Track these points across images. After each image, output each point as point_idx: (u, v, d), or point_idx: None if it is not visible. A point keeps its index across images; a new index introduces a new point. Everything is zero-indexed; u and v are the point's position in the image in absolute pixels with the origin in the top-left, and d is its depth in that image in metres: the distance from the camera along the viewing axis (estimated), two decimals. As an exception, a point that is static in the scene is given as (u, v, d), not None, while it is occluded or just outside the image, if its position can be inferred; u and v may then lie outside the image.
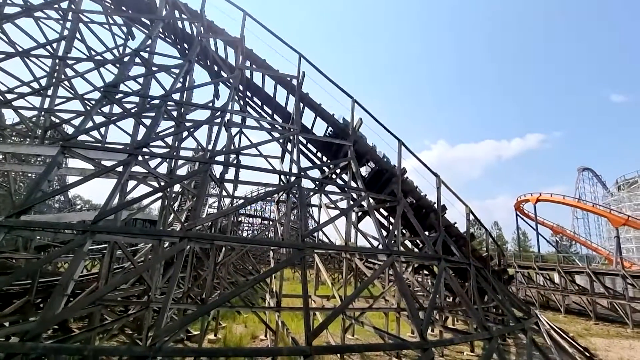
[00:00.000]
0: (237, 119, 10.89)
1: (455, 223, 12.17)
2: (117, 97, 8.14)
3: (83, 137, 8.27)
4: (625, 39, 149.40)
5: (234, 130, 10.87)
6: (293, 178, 8.06)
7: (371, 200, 10.23)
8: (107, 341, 8.56)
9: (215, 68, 11.87)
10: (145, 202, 9.89)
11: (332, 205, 11.47)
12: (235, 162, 11.19)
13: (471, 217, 12.11)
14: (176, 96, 9.10)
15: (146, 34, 10.20)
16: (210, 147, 9.74)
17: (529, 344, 7.79)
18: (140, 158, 6.65)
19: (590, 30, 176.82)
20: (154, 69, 8.87)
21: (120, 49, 11.83)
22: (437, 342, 8.19)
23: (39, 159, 16.34)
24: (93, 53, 11.33)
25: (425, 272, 17.29)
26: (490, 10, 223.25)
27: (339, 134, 10.90)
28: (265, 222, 39.34)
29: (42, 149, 8.42)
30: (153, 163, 8.15)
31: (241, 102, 12.69)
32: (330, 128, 11.12)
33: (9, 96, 9.39)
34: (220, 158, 8.45)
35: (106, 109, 10.48)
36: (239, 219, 32.64)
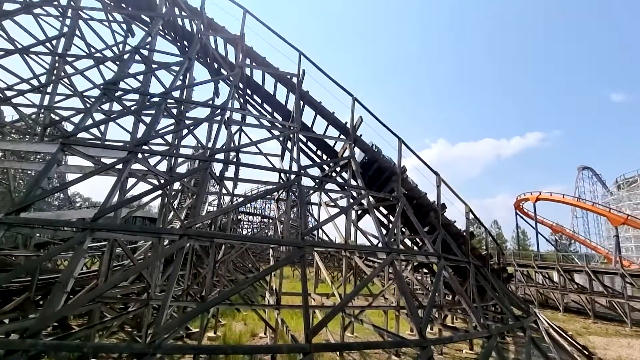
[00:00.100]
0: (237, 116, 10.88)
1: (455, 221, 12.19)
2: (116, 94, 8.11)
3: (83, 135, 8.27)
4: (625, 39, 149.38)
5: (234, 128, 10.86)
6: (293, 176, 8.06)
7: (371, 199, 10.23)
8: (107, 338, 8.58)
9: (215, 66, 11.84)
10: (145, 199, 9.86)
11: (332, 204, 11.48)
12: (235, 160, 11.18)
13: (471, 215, 12.12)
14: (176, 94, 9.08)
15: (146, 31, 10.16)
16: (210, 144, 9.73)
17: (528, 342, 7.81)
18: (140, 156, 6.64)
19: (590, 30, 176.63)
20: (154, 66, 8.85)
21: (120, 46, 11.79)
22: (436, 340, 8.22)
23: (38, 157, 16.33)
24: (93, 50, 11.30)
25: (425, 270, 17.33)
26: (490, 10, 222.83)
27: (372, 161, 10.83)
28: (265, 220, 39.36)
29: (41, 147, 8.41)
30: (153, 161, 8.14)
31: (241, 100, 12.66)
32: (366, 158, 11.07)
33: (9, 93, 9.38)
34: (220, 156, 8.45)
35: (106, 107, 10.44)
36: (239, 217, 32.68)
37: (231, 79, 9.45)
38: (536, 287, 25.14)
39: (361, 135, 10.97)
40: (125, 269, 10.25)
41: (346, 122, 10.83)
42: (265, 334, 11.38)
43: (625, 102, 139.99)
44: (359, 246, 10.80)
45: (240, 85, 11.50)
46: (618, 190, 45.18)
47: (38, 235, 10.35)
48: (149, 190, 7.35)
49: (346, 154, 10.55)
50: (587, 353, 11.23)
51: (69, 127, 11.29)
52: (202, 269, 13.71)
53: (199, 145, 11.73)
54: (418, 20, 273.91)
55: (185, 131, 9.66)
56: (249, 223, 40.64)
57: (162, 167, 8.92)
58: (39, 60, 10.45)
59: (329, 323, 6.01)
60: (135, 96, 9.13)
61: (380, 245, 8.13)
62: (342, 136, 10.91)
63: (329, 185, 10.80)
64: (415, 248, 12.84)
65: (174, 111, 9.31)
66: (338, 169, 11.53)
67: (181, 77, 8.77)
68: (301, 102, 10.27)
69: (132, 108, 8.53)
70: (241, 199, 14.00)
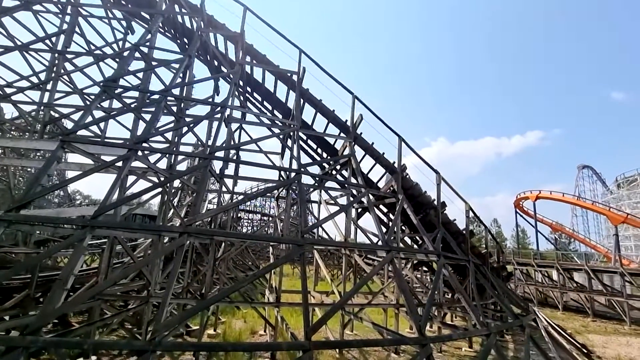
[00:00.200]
0: (237, 114, 10.87)
1: (455, 220, 12.20)
2: (116, 91, 8.10)
3: (82, 132, 8.26)
4: (625, 39, 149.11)
5: (234, 125, 10.85)
6: (293, 174, 8.06)
7: (371, 197, 10.23)
8: (107, 335, 8.59)
9: (215, 63, 11.81)
10: (144, 197, 9.86)
11: (332, 202, 11.49)
12: (235, 157, 11.18)
13: (470, 214, 12.12)
14: (176, 91, 9.05)
15: (146, 28, 10.14)
16: (210, 142, 9.72)
17: (527, 340, 7.83)
18: (139, 153, 6.63)
19: (590, 30, 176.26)
20: (154, 63, 8.83)
21: (120, 43, 11.77)
22: (435, 338, 8.23)
23: (38, 154, 16.27)
24: (92, 47, 11.28)
25: (425, 268, 17.34)
26: (490, 10, 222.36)
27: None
28: (265, 218, 39.38)
29: (41, 144, 8.41)
30: (153, 158, 8.13)
31: (241, 98, 12.64)
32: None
33: (8, 90, 9.36)
34: (220, 154, 8.43)
35: (106, 104, 10.44)
36: (239, 215, 32.68)
37: (231, 76, 9.43)
38: (535, 286, 25.19)
39: (361, 133, 10.96)
40: (125, 267, 10.27)
41: (346, 120, 10.82)
42: (265, 331, 11.41)
43: (626, 101, 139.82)
44: (359, 244, 10.81)
45: (241, 83, 11.47)
46: (618, 189, 45.21)
47: (38, 232, 10.36)
48: (149, 187, 7.34)
49: (346, 152, 10.54)
50: (585, 351, 11.27)
51: (69, 125, 11.24)
52: (202, 267, 13.73)
53: (199, 142, 11.73)
54: (418, 20, 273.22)
55: (185, 129, 9.66)
56: (249, 221, 40.67)
57: (162, 164, 8.92)
58: (38, 57, 10.43)
59: (328, 321, 6.03)
60: (135, 94, 9.12)
61: (380, 243, 8.14)
62: (342, 134, 10.90)
63: (329, 183, 10.80)
64: (415, 246, 12.85)
65: (174, 109, 9.31)
66: (338, 167, 11.52)
67: (181, 75, 8.75)
68: (301, 100, 10.26)
69: (132, 105, 8.52)
70: (241, 196, 14.00)
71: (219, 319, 12.05)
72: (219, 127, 7.75)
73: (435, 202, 11.32)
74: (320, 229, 15.77)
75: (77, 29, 10.36)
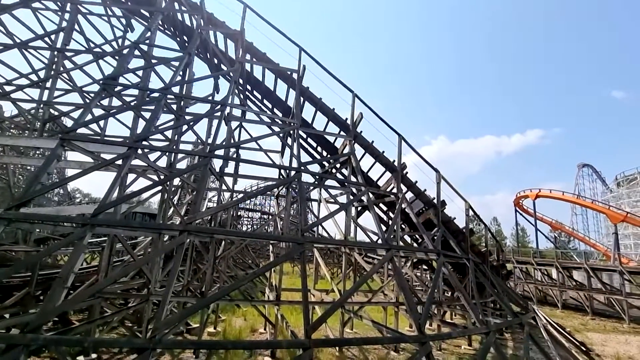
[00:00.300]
0: (237, 112, 10.83)
1: (455, 218, 12.21)
2: (116, 89, 8.08)
3: (82, 130, 8.23)
4: (625, 39, 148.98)
5: (234, 124, 10.83)
6: (293, 172, 8.05)
7: (371, 195, 10.23)
8: (107, 333, 8.61)
9: (215, 61, 11.78)
10: (144, 195, 9.85)
11: (332, 200, 11.48)
12: (235, 156, 11.17)
13: (470, 212, 12.13)
14: (176, 89, 9.04)
15: (145, 26, 10.10)
16: (210, 140, 9.70)
17: (526, 338, 7.85)
18: (139, 151, 6.62)
19: (591, 30, 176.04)
20: (154, 61, 8.81)
21: (120, 41, 11.74)
22: (435, 336, 8.25)
23: (37, 152, 16.28)
24: (92, 45, 11.24)
25: (424, 267, 17.38)
26: (490, 10, 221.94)
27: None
28: (265, 216, 39.39)
29: (41, 142, 8.39)
30: (153, 156, 8.13)
31: (241, 96, 12.62)
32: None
33: (8, 88, 9.33)
34: (220, 152, 8.44)
35: (105, 102, 10.43)
36: (239, 213, 32.67)
37: (231, 74, 9.40)
38: (535, 284, 25.23)
39: (361, 131, 10.95)
40: (126, 265, 10.27)
41: (346, 119, 10.81)
42: (265, 329, 11.43)
43: (626, 99, 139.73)
44: (359, 242, 10.82)
45: (240, 81, 11.45)
46: (618, 188, 45.24)
47: (38, 230, 10.37)
48: (149, 186, 7.34)
49: (346, 150, 10.53)
50: (584, 349, 11.29)
51: (68, 123, 11.23)
52: (202, 265, 13.74)
53: (199, 141, 11.72)
54: (418, 20, 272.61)
55: (185, 127, 9.64)
56: (249, 219, 40.71)
57: (162, 162, 8.91)
58: (37, 55, 10.39)
59: (328, 319, 6.03)
60: (135, 91, 9.10)
61: (379, 241, 8.14)
62: (342, 132, 10.89)
63: (329, 182, 10.79)
64: (415, 245, 12.86)
65: (174, 107, 9.29)
66: (338, 166, 11.52)
67: (181, 73, 8.73)
68: (301, 98, 10.24)
69: (132, 103, 8.50)
70: (241, 195, 13.99)
71: (219, 317, 12.07)
72: (219, 125, 7.73)
73: (435, 201, 11.32)
74: (320, 227, 15.77)
75: (76, 27, 10.33)
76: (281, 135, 11.13)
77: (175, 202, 12.73)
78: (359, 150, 10.86)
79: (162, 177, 8.19)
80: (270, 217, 35.29)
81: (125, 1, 11.37)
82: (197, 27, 9.82)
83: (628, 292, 19.58)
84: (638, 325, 17.59)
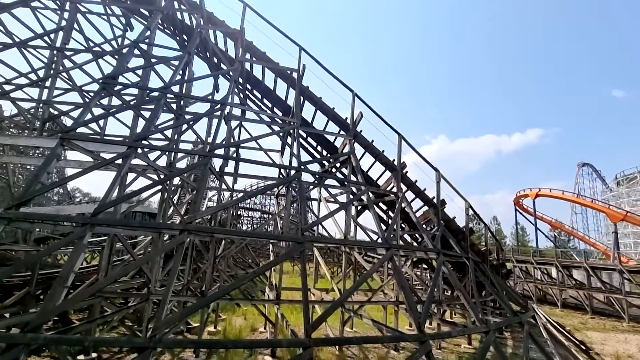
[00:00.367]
0: (236, 112, 10.83)
1: (455, 217, 12.21)
2: (115, 89, 8.07)
3: (82, 129, 8.24)
4: (625, 38, 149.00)
5: (234, 123, 10.82)
6: (293, 172, 8.05)
7: (371, 195, 10.23)
8: (107, 333, 8.62)
9: (215, 60, 11.77)
10: (144, 195, 9.85)
11: (332, 199, 11.49)
12: (235, 155, 11.17)
13: (470, 211, 12.13)
14: (175, 88, 9.02)
15: (145, 25, 10.09)
16: (209, 140, 9.71)
17: (526, 337, 7.86)
18: (139, 150, 6.62)
19: (591, 30, 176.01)
20: (153, 60, 8.79)
21: (119, 40, 11.72)
22: (434, 335, 8.26)
23: (37, 151, 16.27)
24: (91, 44, 11.22)
25: (424, 266, 17.40)
26: (490, 10, 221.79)
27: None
28: (265, 215, 39.43)
29: (40, 141, 8.39)
30: (152, 156, 8.12)
31: (241, 95, 12.61)
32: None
33: (7, 87, 9.32)
34: (220, 151, 8.44)
35: (105, 101, 10.41)
36: (239, 213, 32.69)
37: (231, 73, 9.39)
38: (535, 283, 25.26)
39: (361, 131, 10.95)
40: (126, 264, 10.28)
41: (346, 118, 10.80)
42: (265, 328, 11.44)
43: (626, 98, 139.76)
44: (359, 242, 10.82)
45: (240, 80, 11.44)
46: (617, 187, 45.26)
47: (38, 230, 10.37)
48: (149, 185, 7.34)
49: (346, 149, 10.53)
50: (584, 348, 11.30)
51: (68, 122, 11.22)
52: (202, 264, 13.75)
53: (199, 140, 11.72)
54: (418, 20, 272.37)
55: (184, 126, 9.64)
56: (249, 218, 40.74)
57: (162, 162, 8.91)
58: (37, 54, 10.38)
59: (328, 318, 6.04)
60: (135, 91, 9.09)
61: (379, 240, 8.14)
62: (342, 132, 10.88)
63: (328, 181, 10.79)
64: (415, 244, 12.87)
65: (174, 106, 9.28)
66: (338, 165, 11.52)
67: (180, 72, 8.71)
68: (301, 98, 10.23)
69: (132, 103, 8.50)
70: (241, 194, 13.99)
71: (219, 316, 12.08)
72: (219, 124, 7.73)
73: (435, 200, 11.33)
74: (320, 226, 15.77)
75: (75, 26, 10.31)
76: (281, 134, 11.13)
77: (175, 202, 12.73)
78: (358, 150, 10.87)
79: (162, 176, 8.19)
80: (270, 216, 35.33)
81: (124, 0, 11.35)
82: (197, 26, 9.80)
83: (627, 291, 19.61)
84: (637, 324, 17.61)
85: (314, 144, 12.25)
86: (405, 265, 14.80)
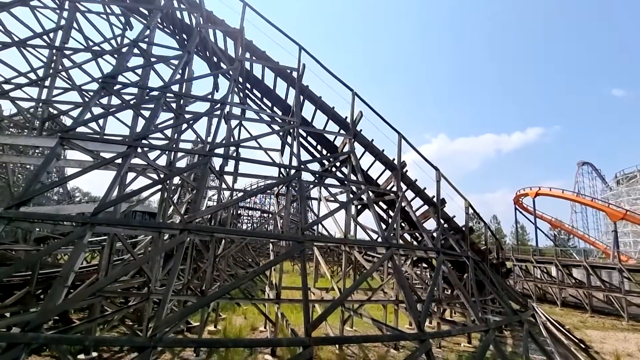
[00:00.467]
0: (236, 111, 10.82)
1: (454, 216, 12.22)
2: (115, 88, 8.05)
3: (81, 129, 8.23)
4: (625, 38, 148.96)
5: (234, 122, 10.81)
6: (293, 171, 8.05)
7: (370, 194, 10.23)
8: (108, 332, 8.63)
9: (215, 59, 11.75)
10: (144, 194, 9.89)
11: (332, 198, 11.49)
12: (235, 154, 11.16)
13: (470, 210, 12.14)
14: (175, 88, 9.02)
15: (144, 24, 10.07)
16: (209, 139, 9.70)
17: (526, 335, 7.87)
18: (139, 150, 6.61)
19: (591, 30, 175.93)
20: (153, 60, 8.77)
21: (118, 39, 11.69)
22: (434, 334, 8.27)
23: (37, 151, 16.27)
24: (91, 43, 11.19)
25: (424, 265, 17.41)
26: (490, 10, 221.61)
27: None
28: (265, 214, 39.44)
29: (40, 141, 8.38)
30: (152, 155, 8.12)
31: (241, 94, 12.59)
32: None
33: (6, 87, 9.30)
34: (220, 150, 8.43)
35: (105, 101, 10.40)
36: (239, 212, 32.69)
37: (231, 72, 9.38)
38: (534, 282, 25.29)
39: (361, 130, 10.94)
40: (126, 263, 10.29)
41: (346, 117, 10.80)
42: (265, 327, 11.46)
43: (626, 97, 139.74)
44: (359, 241, 10.82)
45: (240, 80, 11.42)
46: (617, 186, 45.31)
47: (38, 229, 10.36)
48: (149, 184, 7.35)
49: (346, 149, 10.53)
50: (583, 346, 11.32)
51: (68, 121, 11.22)
52: (202, 264, 13.76)
53: (199, 139, 11.70)
54: (418, 20, 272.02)
55: (184, 125, 9.63)
56: (249, 218, 40.71)
57: (162, 161, 8.91)
58: (36, 53, 10.36)
59: (328, 317, 6.04)
60: (134, 90, 9.08)
61: (379, 240, 8.14)
62: (342, 131, 10.88)
63: (328, 180, 10.79)
64: (415, 243, 12.88)
65: (173, 105, 9.27)
66: (338, 164, 11.51)
67: (180, 71, 8.70)
68: (301, 97, 10.22)
69: (131, 102, 8.48)
70: (241, 193, 14.00)
71: (219, 315, 12.10)
72: (219, 124, 7.72)
73: (435, 199, 11.33)
74: (320, 225, 15.77)
75: (75, 25, 10.28)
76: (281, 133, 11.12)
77: (175, 201, 12.74)
78: (358, 149, 10.87)
79: (161, 175, 8.18)
80: (270, 215, 35.33)
81: (124, -1, 11.33)
82: (197, 25, 9.79)
83: (627, 289, 19.63)
84: (637, 322, 17.65)
85: (314, 143, 12.25)
86: (405, 264, 14.80)
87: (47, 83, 9.29)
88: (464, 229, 12.21)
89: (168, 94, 8.15)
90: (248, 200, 40.74)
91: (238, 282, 8.60)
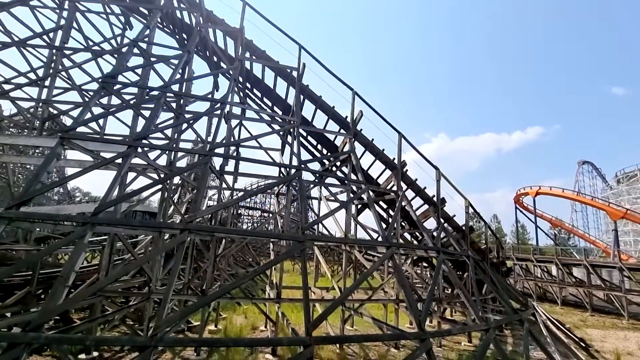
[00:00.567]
0: (236, 110, 10.82)
1: (455, 216, 12.22)
2: (115, 88, 8.04)
3: (82, 129, 8.23)
4: (625, 38, 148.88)
5: (234, 122, 10.81)
6: (293, 170, 8.04)
7: (371, 193, 10.23)
8: (109, 332, 8.63)
9: (215, 59, 11.74)
10: (145, 194, 9.88)
11: (332, 198, 11.50)
12: (235, 154, 11.16)
13: (470, 210, 12.14)
14: (175, 87, 9.01)
15: (144, 23, 10.06)
16: (210, 139, 9.70)
17: (526, 334, 7.88)
18: (139, 150, 6.61)
19: (591, 30, 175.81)
20: (153, 59, 8.76)
21: (118, 39, 11.68)
22: (435, 333, 8.29)
23: (37, 151, 16.28)
24: (90, 43, 11.18)
25: (424, 264, 17.40)
26: (490, 10, 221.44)
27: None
28: (265, 214, 39.45)
29: (40, 141, 8.38)
30: (152, 155, 8.12)
31: (241, 94, 12.59)
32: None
33: (6, 87, 9.30)
34: (220, 150, 8.42)
35: (105, 100, 10.39)
36: (239, 212, 32.71)
37: (231, 72, 9.37)
38: (535, 281, 25.30)
39: (361, 129, 10.94)
40: (126, 263, 10.29)
41: (346, 117, 10.79)
42: (265, 327, 11.47)
43: (626, 96, 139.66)
44: (359, 240, 10.82)
45: (240, 79, 11.42)
46: (617, 185, 45.30)
47: (38, 229, 10.37)
48: (149, 184, 7.35)
49: (346, 148, 10.52)
50: (584, 345, 11.34)
51: (68, 121, 11.22)
52: (203, 263, 13.77)
53: (199, 139, 11.70)
54: (418, 20, 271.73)
55: (184, 125, 9.63)
56: (249, 217, 40.74)
57: (162, 161, 8.91)
58: (36, 53, 10.35)
59: (329, 316, 6.04)
60: (134, 90, 9.07)
61: (380, 239, 8.14)
62: (342, 130, 10.87)
63: (329, 180, 10.79)
64: (415, 242, 12.88)
65: (174, 105, 9.26)
66: (338, 164, 11.51)
67: (180, 71, 8.69)
68: (301, 96, 10.21)
69: (131, 102, 8.48)
70: (241, 193, 14.00)
71: (220, 315, 12.11)
72: (219, 123, 7.72)
73: (435, 198, 11.33)
74: (320, 225, 15.78)
75: (74, 25, 10.27)
76: (281, 133, 11.12)
77: (175, 201, 12.74)
78: (359, 148, 10.86)
79: (162, 175, 8.18)
80: (270, 215, 35.33)
81: (123, -1, 11.31)
82: (197, 24, 9.77)
83: (627, 288, 19.63)
84: (637, 321, 17.66)
85: (314, 142, 12.25)
86: (406, 264, 14.81)
87: (47, 83, 9.28)
88: (464, 228, 12.21)
89: (168, 94, 8.14)
90: (248, 199, 40.78)
91: (238, 281, 8.61)
